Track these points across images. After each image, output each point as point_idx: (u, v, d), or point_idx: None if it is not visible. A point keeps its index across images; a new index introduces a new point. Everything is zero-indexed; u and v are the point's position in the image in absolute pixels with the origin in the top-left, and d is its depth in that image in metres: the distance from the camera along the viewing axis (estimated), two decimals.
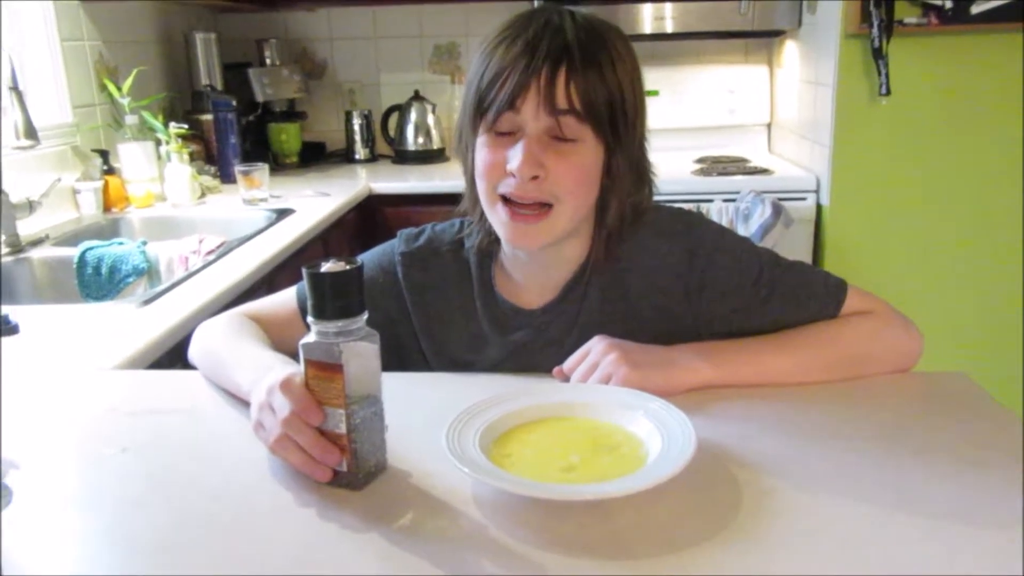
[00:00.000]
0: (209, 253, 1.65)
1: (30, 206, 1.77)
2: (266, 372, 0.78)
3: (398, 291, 1.02)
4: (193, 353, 1.01)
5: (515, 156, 0.85)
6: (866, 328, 0.94)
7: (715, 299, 0.94)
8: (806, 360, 0.91)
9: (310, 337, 0.71)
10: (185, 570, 0.63)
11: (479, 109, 0.87)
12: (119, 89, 2.21)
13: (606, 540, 0.64)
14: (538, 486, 0.68)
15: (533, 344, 0.98)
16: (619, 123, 0.87)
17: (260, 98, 2.75)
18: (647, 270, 0.96)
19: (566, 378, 0.90)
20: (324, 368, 0.70)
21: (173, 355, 1.27)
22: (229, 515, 0.69)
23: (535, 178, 0.86)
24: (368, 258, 1.04)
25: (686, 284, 0.95)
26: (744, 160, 2.70)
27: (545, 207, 0.88)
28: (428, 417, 0.84)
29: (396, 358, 1.00)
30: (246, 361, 0.89)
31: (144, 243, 1.71)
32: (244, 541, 0.66)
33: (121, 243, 1.70)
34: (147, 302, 1.34)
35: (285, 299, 1.04)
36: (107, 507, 0.72)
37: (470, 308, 1.01)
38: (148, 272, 1.67)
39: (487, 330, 1.00)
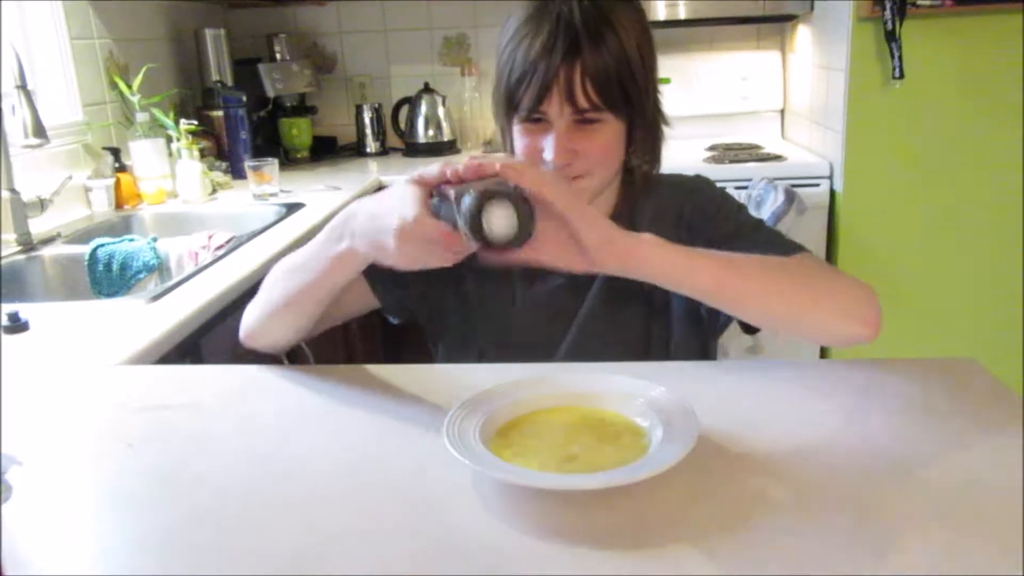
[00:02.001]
0: (218, 248, 1.66)
1: (41, 204, 1.78)
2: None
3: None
4: (253, 315, 1.01)
5: (548, 148, 0.96)
6: (835, 270, 0.96)
7: (697, 233, 1.01)
8: (766, 268, 0.86)
9: None
10: (191, 567, 0.62)
11: (511, 104, 0.97)
12: (129, 87, 2.22)
13: (608, 530, 0.64)
14: (539, 476, 0.68)
15: (562, 289, 1.05)
16: (632, 93, 0.96)
17: (271, 93, 2.76)
18: (657, 219, 1.04)
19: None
20: None
21: (182, 350, 1.28)
22: (234, 511, 0.69)
23: (567, 164, 0.96)
24: None
25: (680, 230, 1.02)
26: (757, 147, 2.67)
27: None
28: (429, 407, 0.84)
29: (437, 315, 1.08)
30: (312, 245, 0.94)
31: (155, 239, 1.72)
32: (250, 537, 0.66)
33: (132, 240, 1.71)
34: (156, 298, 1.34)
35: None
36: (113, 503, 0.72)
37: None
38: (159, 268, 1.68)
39: (518, 276, 1.07)
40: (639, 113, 0.98)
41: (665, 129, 1.04)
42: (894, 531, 0.62)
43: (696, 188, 1.08)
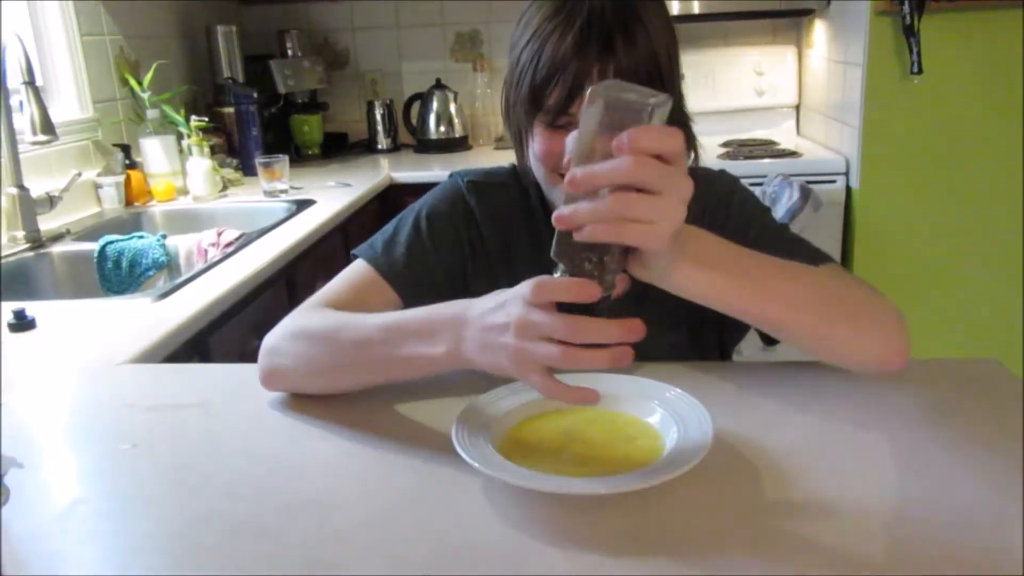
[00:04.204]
0: (228, 245, 1.65)
1: (51, 201, 1.78)
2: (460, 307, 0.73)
3: (473, 222, 1.02)
4: (289, 367, 0.86)
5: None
6: (865, 289, 0.84)
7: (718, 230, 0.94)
8: (803, 291, 0.76)
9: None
10: (199, 569, 0.61)
11: (534, 102, 0.88)
12: (140, 83, 2.21)
13: (619, 535, 0.62)
14: (550, 480, 0.66)
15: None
16: (657, 85, 0.87)
17: (282, 90, 2.75)
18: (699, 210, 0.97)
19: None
20: None
21: (190, 348, 1.26)
22: (243, 512, 0.68)
23: None
24: (430, 200, 1.03)
25: (702, 224, 0.95)
26: (772, 143, 2.64)
27: None
28: (442, 407, 0.82)
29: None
30: (407, 323, 0.78)
31: (164, 236, 1.71)
32: (259, 539, 0.64)
33: (141, 237, 1.70)
34: (163, 296, 1.33)
35: (354, 275, 0.97)
36: (117, 505, 0.71)
37: (538, 237, 1.01)
38: (168, 265, 1.67)
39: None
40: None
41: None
42: (913, 538, 0.59)
43: (721, 184, 1.03)
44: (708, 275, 0.68)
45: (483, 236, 1.02)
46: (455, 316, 0.72)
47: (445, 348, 0.73)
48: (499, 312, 0.67)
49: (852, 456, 0.72)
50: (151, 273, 1.65)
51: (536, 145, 0.91)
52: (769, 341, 0.88)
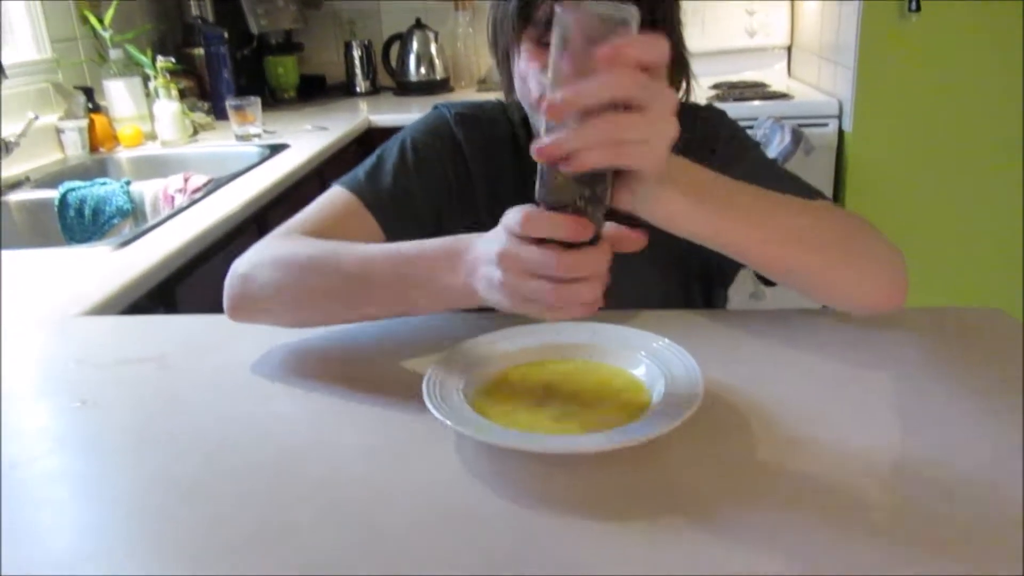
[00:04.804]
0: (195, 191, 1.57)
1: (5, 147, 1.69)
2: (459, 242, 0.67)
3: (460, 156, 0.96)
4: (264, 298, 0.78)
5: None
6: (864, 224, 0.77)
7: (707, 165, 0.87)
8: (803, 226, 0.69)
9: None
10: (151, 535, 0.56)
11: (523, 15, 0.82)
12: (101, 21, 2.10)
13: (603, 496, 0.57)
14: (526, 438, 0.61)
15: None
16: (656, 10, 0.80)
17: (255, 30, 2.63)
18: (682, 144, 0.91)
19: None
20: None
21: (154, 299, 1.20)
22: (199, 475, 0.63)
23: None
24: (416, 130, 0.96)
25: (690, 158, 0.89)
26: (763, 85, 2.56)
27: None
28: (415, 360, 0.77)
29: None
30: (403, 255, 0.71)
31: (128, 182, 1.63)
32: (216, 503, 0.59)
33: (104, 183, 1.62)
34: (124, 244, 1.26)
35: (332, 204, 0.89)
36: (63, 467, 0.65)
37: (526, 179, 0.94)
38: (134, 213, 1.60)
39: None
40: (668, 32, 0.85)
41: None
42: (914, 491, 0.55)
43: (710, 117, 0.96)
44: (700, 207, 0.62)
45: (470, 172, 0.95)
46: (471, 246, 0.66)
47: (463, 279, 0.66)
48: (491, 244, 0.61)
49: (849, 407, 0.67)
50: (116, 221, 1.58)
51: (524, 65, 0.84)
52: (767, 282, 0.83)
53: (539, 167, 0.57)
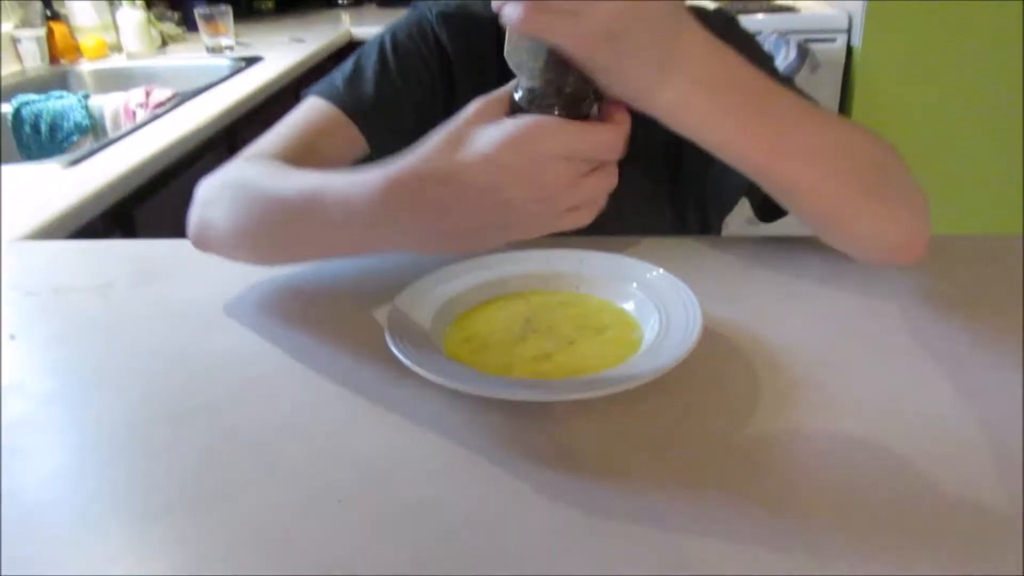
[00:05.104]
0: (159, 106, 1.46)
1: None
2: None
3: (445, 61, 0.85)
4: (226, 233, 0.68)
5: None
6: (895, 157, 0.64)
7: None
8: (830, 145, 0.56)
9: None
10: (83, 479, 0.50)
11: None
12: None
13: (585, 450, 0.50)
14: (498, 385, 0.53)
15: None
16: None
17: None
18: None
19: None
20: None
21: (109, 222, 1.11)
22: (126, 419, 0.56)
23: None
24: (395, 31, 0.85)
25: None
26: None
27: None
28: (378, 292, 0.69)
29: None
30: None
31: (86, 96, 1.52)
32: (148, 452, 0.52)
33: (60, 96, 1.51)
34: (75, 161, 1.17)
35: (308, 116, 0.78)
36: None
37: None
38: (94, 129, 1.49)
39: None
40: None
41: None
42: (938, 443, 0.48)
43: (718, 25, 0.84)
44: (717, 106, 0.50)
45: (455, 79, 0.85)
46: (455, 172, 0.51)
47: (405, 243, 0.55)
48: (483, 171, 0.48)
49: (863, 347, 0.59)
50: (75, 138, 1.47)
51: None
52: (767, 216, 0.74)
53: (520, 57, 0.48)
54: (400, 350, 0.55)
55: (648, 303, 0.60)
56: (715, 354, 0.58)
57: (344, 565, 0.43)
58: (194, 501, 0.47)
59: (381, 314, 0.62)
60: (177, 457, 0.51)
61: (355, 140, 0.78)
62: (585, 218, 0.49)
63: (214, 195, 0.69)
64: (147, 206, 1.21)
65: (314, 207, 0.58)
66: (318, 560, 0.43)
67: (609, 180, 0.49)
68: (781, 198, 0.58)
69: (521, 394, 0.51)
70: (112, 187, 1.11)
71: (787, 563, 0.41)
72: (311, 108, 0.80)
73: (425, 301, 0.62)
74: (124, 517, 0.47)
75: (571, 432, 0.51)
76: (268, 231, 0.65)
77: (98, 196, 1.08)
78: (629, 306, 0.62)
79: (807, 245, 0.74)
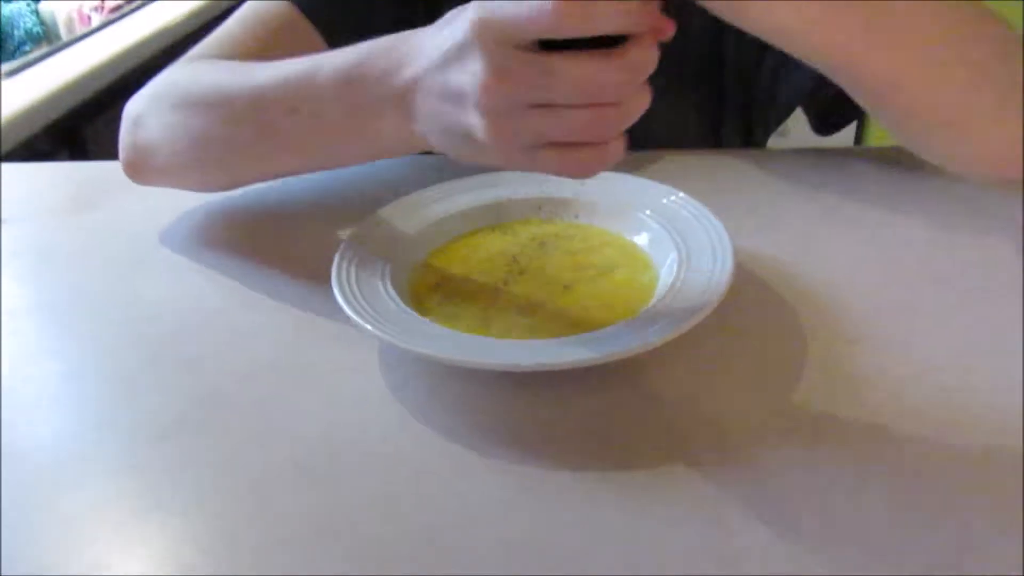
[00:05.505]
0: (114, 10, 1.32)
1: None
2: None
3: None
4: (162, 141, 0.57)
5: None
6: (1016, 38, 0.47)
7: None
8: (946, 26, 0.41)
9: None
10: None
11: None
12: None
13: (579, 429, 0.39)
14: (475, 345, 0.42)
15: None
16: None
17: None
18: None
19: None
20: None
21: (54, 140, 0.99)
22: (57, 367, 0.46)
23: None
24: None
25: None
26: None
27: None
28: (342, 222, 0.57)
29: None
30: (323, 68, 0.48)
31: (36, 0, 1.37)
32: (74, 395, 0.44)
33: (7, 2, 1.36)
34: (15, 71, 1.04)
35: (258, 14, 0.65)
36: None
37: None
38: (47, 37, 1.35)
39: None
40: None
41: None
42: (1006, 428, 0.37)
43: None
44: (837, 13, 0.37)
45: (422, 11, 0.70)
46: (400, 64, 0.43)
47: (393, 123, 0.44)
48: (456, 66, 0.38)
49: (934, 294, 0.47)
50: (27, 48, 1.33)
51: None
52: (826, 126, 0.60)
53: None
54: (347, 299, 0.43)
55: (665, 236, 0.48)
56: (747, 301, 0.46)
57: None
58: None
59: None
60: (92, 426, 0.41)
61: (313, 43, 0.64)
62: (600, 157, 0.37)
63: (146, 109, 0.57)
64: (100, 122, 1.08)
65: (302, 94, 0.47)
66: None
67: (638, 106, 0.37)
68: (867, 101, 0.44)
69: (499, 360, 0.39)
70: (55, 100, 0.98)
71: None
72: (262, 5, 0.66)
73: (386, 235, 0.50)
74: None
75: (561, 405, 0.40)
76: (227, 140, 0.53)
77: (38, 110, 0.96)
78: (641, 239, 0.49)
79: (866, 158, 0.61)
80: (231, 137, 0.53)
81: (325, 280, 0.45)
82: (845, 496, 0.34)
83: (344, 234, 0.49)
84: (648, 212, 0.50)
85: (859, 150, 0.61)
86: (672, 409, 0.40)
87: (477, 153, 0.39)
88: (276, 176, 0.57)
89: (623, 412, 0.40)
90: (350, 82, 0.45)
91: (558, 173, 0.38)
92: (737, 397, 0.40)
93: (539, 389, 0.41)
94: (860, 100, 0.44)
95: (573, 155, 0.37)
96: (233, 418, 0.41)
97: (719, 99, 0.70)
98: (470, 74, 0.37)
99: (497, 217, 0.53)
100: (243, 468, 0.38)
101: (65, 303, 0.53)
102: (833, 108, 0.61)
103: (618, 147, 0.37)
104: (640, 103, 0.36)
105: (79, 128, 1.04)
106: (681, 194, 0.50)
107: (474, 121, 0.37)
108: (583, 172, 0.38)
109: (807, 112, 0.63)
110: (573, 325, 0.43)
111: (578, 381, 0.41)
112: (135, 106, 0.59)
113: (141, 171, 0.59)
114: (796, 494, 0.34)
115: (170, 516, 0.36)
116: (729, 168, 0.62)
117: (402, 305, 0.44)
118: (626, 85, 0.35)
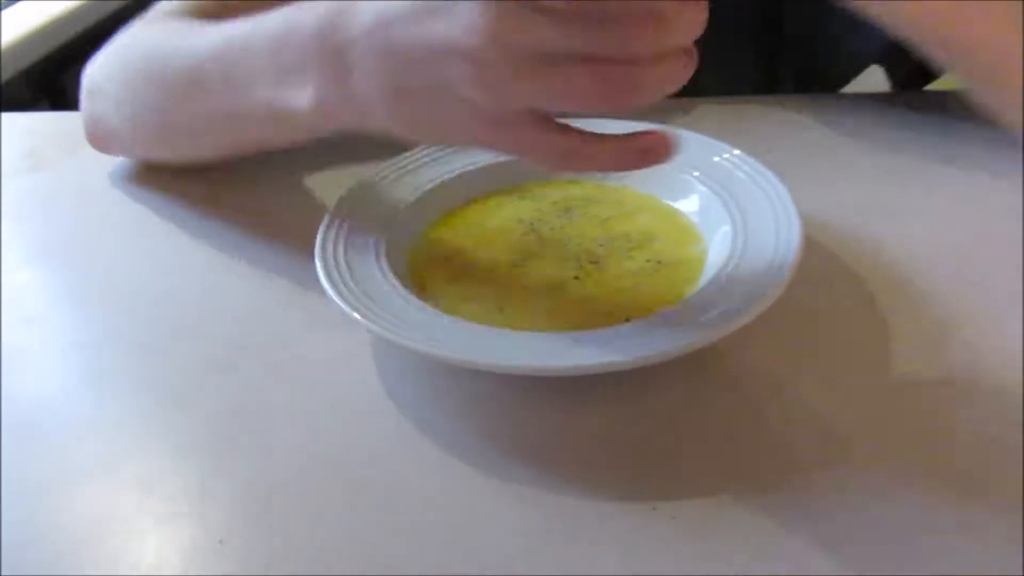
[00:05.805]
0: None
1: None
2: None
3: None
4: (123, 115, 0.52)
5: None
6: None
7: None
8: None
9: None
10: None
11: None
12: None
13: (620, 435, 0.32)
14: (483, 341, 0.34)
15: None
16: None
17: None
18: None
19: None
20: None
21: (31, 88, 0.94)
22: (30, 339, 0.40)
23: None
24: None
25: None
26: None
27: None
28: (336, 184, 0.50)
29: None
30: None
31: None
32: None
33: None
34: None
35: None
36: None
37: None
38: None
39: None
40: None
41: None
42: None
43: None
44: None
45: None
46: (340, 10, 0.35)
47: (313, 93, 0.37)
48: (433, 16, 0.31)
49: (1002, 268, 0.39)
50: None
51: None
52: (913, 79, 0.52)
53: None
54: (332, 282, 0.36)
55: (716, 202, 0.40)
56: (811, 275, 0.38)
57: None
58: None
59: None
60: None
61: None
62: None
63: (103, 76, 0.52)
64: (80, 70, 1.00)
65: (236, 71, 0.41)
66: None
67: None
68: (945, 62, 0.36)
69: (513, 360, 0.32)
70: (27, 44, 0.91)
71: None
72: None
73: (384, 200, 0.42)
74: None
75: (594, 410, 0.33)
76: (188, 111, 0.47)
77: (12, 54, 0.88)
78: (687, 206, 0.41)
79: (951, 107, 0.52)
80: (171, 111, 0.47)
81: (311, 254, 0.38)
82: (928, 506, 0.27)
83: (332, 201, 0.42)
84: (696, 173, 0.41)
85: (938, 95, 0.52)
86: (730, 416, 0.33)
87: (447, 124, 0.32)
88: (240, 153, 0.49)
89: (656, 418, 0.32)
90: (275, 38, 0.38)
91: (581, 107, 0.30)
92: (797, 401, 0.33)
93: (567, 387, 0.34)
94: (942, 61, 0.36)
95: (610, 70, 0.29)
96: (196, 420, 0.34)
97: (780, 63, 0.61)
98: (456, 17, 0.29)
99: (512, 178, 0.44)
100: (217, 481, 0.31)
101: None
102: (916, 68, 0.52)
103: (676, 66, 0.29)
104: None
105: (56, 77, 0.97)
106: (735, 151, 0.42)
107: (459, 75, 0.30)
108: (621, 100, 0.30)
109: (888, 73, 0.54)
110: (602, 314, 0.35)
111: (610, 382, 0.33)
112: (91, 74, 0.53)
113: (103, 143, 0.54)
114: (858, 508, 0.27)
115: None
116: (786, 120, 0.53)
117: (400, 288, 0.36)
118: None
